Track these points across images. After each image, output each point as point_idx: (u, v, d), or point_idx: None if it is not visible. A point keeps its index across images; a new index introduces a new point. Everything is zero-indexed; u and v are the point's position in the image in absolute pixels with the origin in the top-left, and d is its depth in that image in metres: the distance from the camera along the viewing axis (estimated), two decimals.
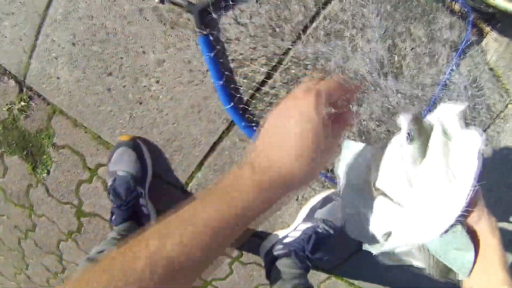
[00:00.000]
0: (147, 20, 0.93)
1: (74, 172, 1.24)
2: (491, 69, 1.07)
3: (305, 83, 0.47)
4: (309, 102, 0.43)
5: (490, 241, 0.53)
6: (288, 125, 0.44)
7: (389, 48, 0.95)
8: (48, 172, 1.30)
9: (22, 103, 1.18)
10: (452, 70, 1.01)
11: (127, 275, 0.34)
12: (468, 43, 0.99)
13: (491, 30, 1.00)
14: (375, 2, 0.91)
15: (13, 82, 1.16)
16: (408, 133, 0.53)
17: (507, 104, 1.13)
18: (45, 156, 1.28)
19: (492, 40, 1.03)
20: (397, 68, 0.98)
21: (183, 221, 0.39)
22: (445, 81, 1.01)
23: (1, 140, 1.32)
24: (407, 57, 0.97)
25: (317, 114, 0.43)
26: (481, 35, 1.01)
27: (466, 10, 0.93)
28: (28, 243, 1.60)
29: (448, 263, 0.54)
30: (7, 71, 1.15)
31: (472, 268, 0.52)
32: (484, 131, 1.14)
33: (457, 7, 0.94)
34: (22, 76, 1.14)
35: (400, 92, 1.01)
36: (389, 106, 1.00)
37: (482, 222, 0.53)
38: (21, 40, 1.08)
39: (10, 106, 1.21)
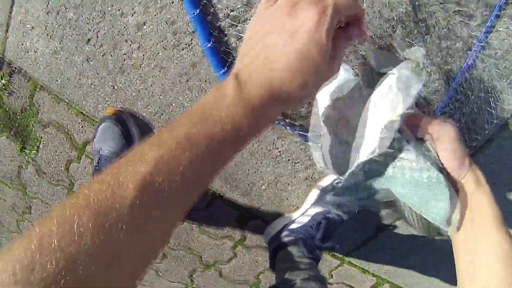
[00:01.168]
0: None
1: (61, 151, 1.19)
2: None
3: None
4: (316, 20, 0.36)
5: (476, 193, 0.49)
6: (284, 41, 0.37)
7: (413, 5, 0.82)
8: (37, 152, 1.24)
9: (3, 81, 1.12)
10: (487, 32, 0.86)
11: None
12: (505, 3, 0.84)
13: None
14: None
15: None
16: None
17: None
18: (32, 136, 1.22)
19: None
20: (424, 28, 0.85)
21: (157, 143, 0.34)
22: (480, 43, 0.87)
23: None
24: (434, 16, 0.84)
25: (327, 36, 0.37)
26: None
27: None
28: (26, 225, 1.58)
29: (430, 218, 0.51)
30: None
31: (459, 223, 0.49)
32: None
33: None
34: (0, 53, 1.06)
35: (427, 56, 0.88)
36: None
37: (463, 171, 0.51)
38: None
39: None
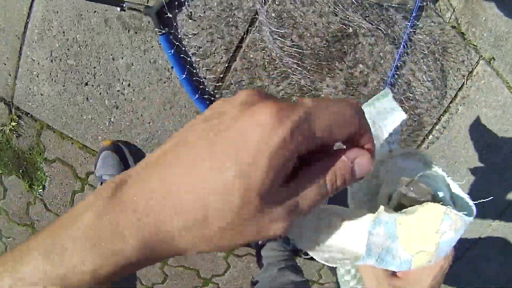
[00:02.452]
0: (113, 28, 1.06)
1: (67, 184, 1.38)
2: (453, 27, 1.14)
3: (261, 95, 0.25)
4: (265, 128, 0.22)
5: None
6: (206, 178, 0.23)
7: (341, 20, 1.05)
8: (44, 188, 1.44)
9: (13, 123, 1.33)
10: (409, 33, 1.09)
11: None
12: (425, 2, 1.07)
13: None
14: None
15: (3, 104, 1.31)
16: None
17: (478, 60, 1.19)
18: (39, 172, 1.41)
19: None
20: (354, 39, 1.07)
21: None
22: (404, 44, 1.09)
23: None
24: (362, 26, 1.06)
25: (273, 179, 0.23)
26: None
27: None
28: None
29: None
30: None
31: None
32: (459, 90, 1.21)
33: None
34: (9, 98, 1.28)
35: (361, 63, 1.10)
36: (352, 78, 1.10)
37: None
38: (5, 64, 1.23)
39: (2, 128, 1.36)
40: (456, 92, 1.21)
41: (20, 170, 1.45)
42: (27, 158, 1.41)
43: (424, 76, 1.13)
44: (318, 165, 0.26)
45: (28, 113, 1.28)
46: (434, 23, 1.10)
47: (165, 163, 0.24)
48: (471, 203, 0.35)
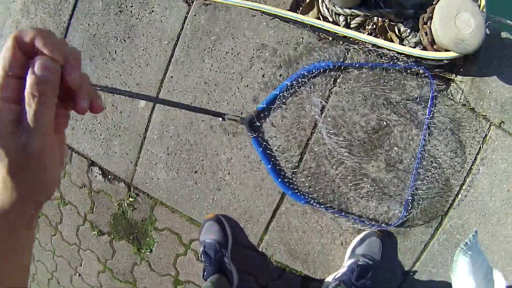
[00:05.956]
0: (216, 133, 1.66)
1: (172, 248, 1.93)
2: (464, 105, 1.55)
3: None
4: None
5: None
6: None
7: (377, 117, 1.58)
8: (151, 251, 1.99)
9: (130, 199, 1.92)
10: (428, 118, 1.54)
11: None
12: (437, 93, 1.52)
13: (455, 75, 1.52)
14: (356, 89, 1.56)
15: (123, 184, 1.92)
16: None
17: (490, 127, 1.55)
18: (148, 239, 1.98)
19: (458, 83, 1.53)
20: (388, 129, 1.59)
21: None
22: (427, 125, 1.54)
23: (111, 229, 2.06)
24: (392, 118, 1.59)
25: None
26: (448, 83, 1.54)
27: (424, 71, 1.49)
28: None
29: None
30: (117, 177, 1.91)
31: None
32: (477, 153, 1.61)
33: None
34: (129, 180, 1.89)
35: (395, 146, 1.60)
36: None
37: None
38: (127, 154, 1.84)
39: (120, 202, 1.95)
40: (475, 156, 1.57)
41: (131, 237, 2.02)
42: (139, 227, 1.98)
43: (445, 148, 1.56)
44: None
45: (145, 192, 1.87)
46: (447, 106, 1.53)
47: None
48: None
